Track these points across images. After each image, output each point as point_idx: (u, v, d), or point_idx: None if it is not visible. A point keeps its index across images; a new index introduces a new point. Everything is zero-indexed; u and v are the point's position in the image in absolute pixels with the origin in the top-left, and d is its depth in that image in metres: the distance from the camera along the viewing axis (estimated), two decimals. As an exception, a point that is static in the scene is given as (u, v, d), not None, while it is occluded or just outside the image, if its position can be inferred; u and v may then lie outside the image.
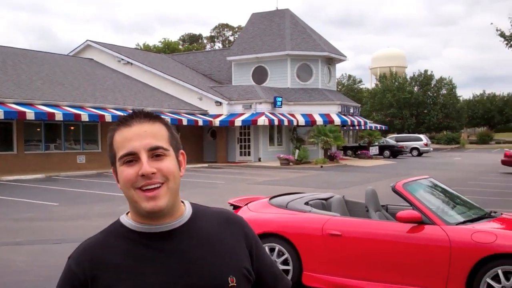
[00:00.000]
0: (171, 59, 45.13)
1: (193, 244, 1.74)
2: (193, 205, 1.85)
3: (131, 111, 1.77)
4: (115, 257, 1.69)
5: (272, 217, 7.36)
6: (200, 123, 33.67)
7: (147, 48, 69.17)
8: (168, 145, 1.72)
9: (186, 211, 1.79)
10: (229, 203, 8.30)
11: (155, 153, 1.67)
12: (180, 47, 75.78)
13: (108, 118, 27.04)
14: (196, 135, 36.58)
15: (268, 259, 1.95)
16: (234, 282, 1.74)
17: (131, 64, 37.36)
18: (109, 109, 28.24)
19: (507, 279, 5.84)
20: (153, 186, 1.65)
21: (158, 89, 36.40)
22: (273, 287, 1.93)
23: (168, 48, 69.80)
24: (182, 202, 1.82)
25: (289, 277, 6.99)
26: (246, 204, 7.87)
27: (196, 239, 1.75)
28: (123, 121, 1.72)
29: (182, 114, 33.03)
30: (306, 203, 7.60)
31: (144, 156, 1.66)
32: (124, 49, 40.99)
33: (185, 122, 32.13)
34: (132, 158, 1.67)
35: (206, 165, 33.65)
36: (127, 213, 1.79)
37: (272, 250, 7.15)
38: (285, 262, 7.08)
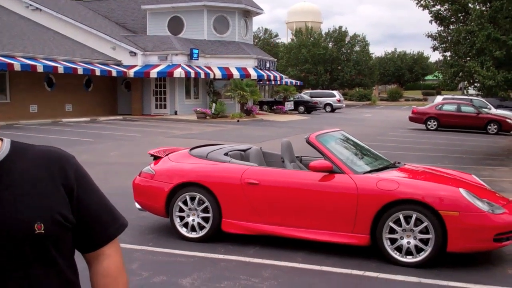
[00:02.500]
0: (82, 6, 43.47)
1: (3, 184, 1.63)
2: (14, 144, 1.71)
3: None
4: None
5: (193, 167, 7.66)
6: (114, 74, 32.93)
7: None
8: None
9: (2, 150, 1.67)
10: (149, 153, 8.53)
11: None
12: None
13: (17, 67, 25.85)
14: (109, 86, 35.83)
15: (99, 202, 1.82)
16: (42, 229, 1.61)
17: (40, 10, 35.68)
18: (17, 58, 26.98)
19: (407, 223, 6.45)
20: None
21: (69, 37, 35.05)
22: (98, 231, 1.81)
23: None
24: (1, 139, 1.71)
25: (209, 224, 7.37)
26: (167, 155, 8.12)
27: (6, 181, 1.64)
28: None
29: (95, 64, 32.13)
30: (226, 154, 7.94)
31: None
32: (32, -6, 39.17)
33: (98, 73, 31.36)
34: None
35: (120, 117, 33.18)
36: None
37: (192, 199, 7.48)
38: (205, 210, 7.43)
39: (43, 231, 1.61)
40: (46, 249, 1.65)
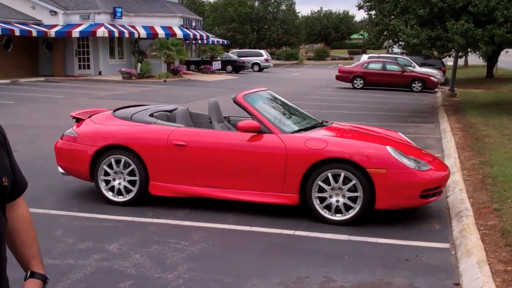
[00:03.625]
0: (-1, -37, 41.32)
1: None
2: None
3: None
4: None
5: (117, 129, 7.39)
6: (34, 34, 31.68)
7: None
8: None
9: None
10: (71, 115, 8.18)
11: None
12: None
13: None
14: (30, 47, 34.33)
15: (14, 160, 2.16)
16: (6, 182, 1.97)
17: (-47, -33, 33.77)
18: None
19: (336, 181, 6.47)
20: None
21: (-16, -4, 33.41)
22: (18, 184, 2.16)
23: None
24: None
25: (136, 187, 7.18)
26: (90, 117, 7.81)
27: None
28: None
29: (14, 24, 30.69)
30: (151, 115, 7.71)
31: None
32: None
33: (17, 33, 30.06)
34: None
35: (42, 78, 31.96)
36: None
37: (118, 162, 7.24)
38: (131, 173, 7.21)
39: (6, 184, 1.97)
40: (5, 198, 2.02)
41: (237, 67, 44.48)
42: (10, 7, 33.30)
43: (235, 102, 7.20)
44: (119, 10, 34.67)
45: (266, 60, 49.48)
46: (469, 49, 20.49)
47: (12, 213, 2.15)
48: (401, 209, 6.80)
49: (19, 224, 2.17)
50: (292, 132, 7.01)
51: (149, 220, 6.71)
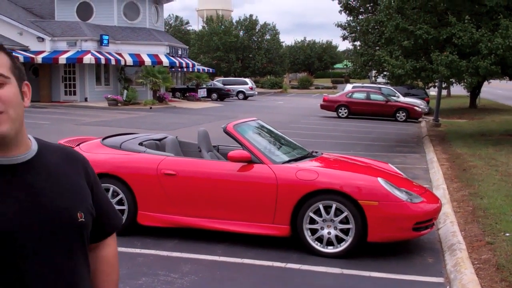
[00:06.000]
0: (-15, -11, 41.35)
1: (40, 178, 1.73)
2: (38, 140, 1.82)
3: None
4: None
5: (106, 157, 7.30)
6: (21, 59, 31.41)
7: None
8: (10, 73, 1.66)
9: (33, 145, 1.77)
10: (59, 143, 8.07)
11: None
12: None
13: None
14: (16, 73, 34.23)
15: (105, 197, 2.01)
16: (83, 217, 1.77)
17: None
18: None
19: (327, 213, 6.41)
20: None
21: (-28, 21, 33.31)
22: (107, 223, 1.99)
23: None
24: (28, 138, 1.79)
25: (124, 217, 7.05)
26: (78, 145, 7.71)
27: (43, 174, 1.74)
28: None
29: (0, 50, 30.66)
30: (140, 144, 7.64)
31: None
32: None
33: (3, 59, 29.91)
34: None
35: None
36: None
37: (106, 190, 7.14)
38: (120, 202, 7.11)
39: (83, 220, 1.77)
40: (83, 237, 1.80)
41: (222, 95, 44.62)
42: (-3, 32, 33.24)
43: (226, 132, 7.15)
44: (106, 37, 34.72)
45: (251, 89, 49.66)
46: (453, 80, 20.75)
47: (95, 253, 1.98)
48: (394, 242, 6.74)
49: (100, 266, 2.00)
50: (283, 163, 6.97)
51: (138, 250, 6.60)
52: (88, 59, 32.46)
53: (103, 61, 33.70)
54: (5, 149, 1.67)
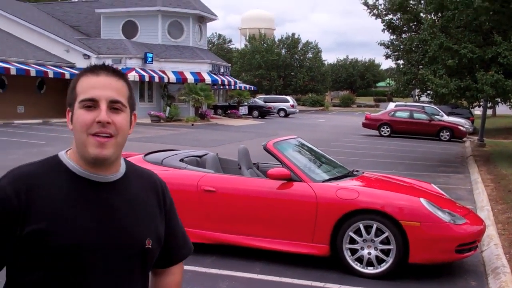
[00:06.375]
0: (36, 9, 42.56)
1: (121, 200, 1.81)
2: (127, 163, 1.90)
3: (101, 63, 1.84)
4: (52, 192, 1.71)
5: (147, 173, 7.36)
6: (67, 76, 32.29)
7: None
8: (127, 102, 1.78)
9: (121, 167, 1.85)
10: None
11: (114, 106, 1.74)
12: (45, -5, 71.62)
13: (-32, 67, 25.15)
14: (62, 88, 34.82)
15: (179, 224, 2.05)
16: (150, 244, 1.82)
17: (-7, 12, 34.88)
18: (-34, 59, 26.27)
19: (368, 233, 6.33)
20: (104, 135, 1.71)
21: (23, 39, 34.30)
22: (175, 251, 2.03)
23: (31, -4, 65.72)
24: None
25: (163, 232, 7.09)
26: (120, 161, 7.81)
27: (125, 197, 1.82)
28: (92, 69, 1.79)
29: (48, 67, 31.52)
30: (181, 160, 7.69)
31: (103, 105, 1.72)
32: (-16, -5, 38.09)
33: (51, 75, 30.74)
34: (92, 104, 1.72)
35: (73, 120, 32.34)
36: (66, 151, 1.84)
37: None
38: (159, 218, 7.15)
39: (150, 247, 1.82)
40: (147, 263, 1.85)
41: (263, 113, 44.71)
42: (45, 50, 34.21)
43: (266, 149, 7.15)
44: (150, 55, 35.31)
45: (292, 106, 49.64)
46: (498, 100, 20.35)
47: (159, 278, 2.04)
48: (436, 264, 6.60)
49: None
50: (323, 181, 6.92)
51: (176, 267, 6.60)
52: (132, 76, 33.02)
53: (147, 78, 34.25)
54: (98, 168, 1.77)
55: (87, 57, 34.38)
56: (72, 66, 34.08)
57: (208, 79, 36.47)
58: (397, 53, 23.52)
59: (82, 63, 34.26)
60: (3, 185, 1.68)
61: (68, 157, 1.81)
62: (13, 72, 27.76)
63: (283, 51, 70.95)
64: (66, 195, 1.72)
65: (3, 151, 16.49)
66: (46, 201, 1.69)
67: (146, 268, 1.88)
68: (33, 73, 28.94)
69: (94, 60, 34.25)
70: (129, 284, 1.80)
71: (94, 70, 1.78)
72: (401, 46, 22.34)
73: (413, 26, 22.24)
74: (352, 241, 6.40)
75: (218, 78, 37.85)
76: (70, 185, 1.74)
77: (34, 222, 1.65)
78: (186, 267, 6.45)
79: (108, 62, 33.86)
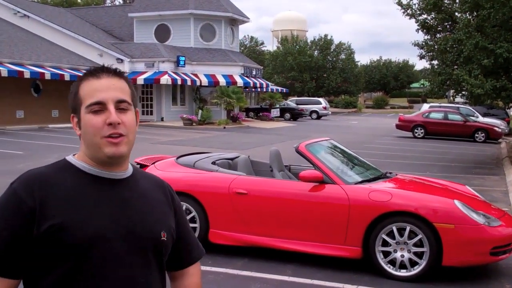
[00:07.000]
0: (70, 13, 43.28)
1: (134, 196, 1.85)
2: (131, 164, 1.95)
3: (100, 66, 1.87)
4: (64, 188, 1.74)
5: (180, 176, 7.43)
6: (101, 80, 32.79)
7: (44, 1, 65.93)
8: (131, 100, 1.83)
9: (129, 166, 1.90)
10: (135, 161, 8.28)
11: (120, 106, 1.78)
12: (79, 1, 72.79)
13: (4, 73, 25.50)
14: (96, 92, 35.61)
15: (188, 226, 2.08)
16: (165, 237, 1.86)
17: (28, 17, 35.48)
18: (4, 64, 26.66)
19: (401, 235, 6.26)
20: (116, 135, 1.75)
21: (57, 44, 34.87)
22: (187, 253, 2.05)
23: (66, 2, 66.86)
24: None
25: (196, 234, 7.14)
26: (153, 163, 7.88)
27: (137, 193, 1.86)
28: (92, 73, 1.82)
29: (82, 71, 31.76)
30: (213, 163, 7.73)
31: (111, 107, 1.76)
32: (20, 1, 38.82)
33: (84, 79, 31.17)
34: (99, 107, 1.75)
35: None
36: (73, 155, 1.87)
37: (179, 208, 7.24)
38: (192, 220, 7.19)
39: (165, 239, 1.86)
40: (161, 255, 1.88)
41: (295, 115, 44.62)
42: (79, 54, 34.67)
43: (298, 151, 7.14)
44: (183, 58, 35.56)
45: (324, 108, 49.45)
46: (535, 100, 19.94)
47: (178, 282, 2.05)
48: (470, 267, 6.50)
49: None
50: (356, 183, 6.88)
51: (208, 268, 6.64)
52: (165, 79, 33.31)
53: (179, 82, 34.49)
54: (110, 167, 1.82)
55: (120, 61, 34.76)
56: (106, 70, 34.50)
57: (240, 82, 36.56)
58: (431, 54, 23.19)
59: (116, 67, 34.66)
60: (15, 188, 1.72)
61: (76, 159, 1.84)
62: (47, 77, 28.16)
63: (316, 52, 70.72)
64: (79, 190, 1.76)
65: (38, 154, 16.77)
66: (60, 197, 1.72)
67: (162, 263, 1.90)
68: (67, 77, 29.34)
69: (127, 64, 34.63)
70: (146, 278, 1.81)
71: (95, 73, 1.81)
72: (436, 46, 22.01)
73: (447, 26, 21.93)
74: (385, 243, 6.34)
75: (250, 81, 37.92)
76: (82, 182, 1.78)
77: (50, 218, 1.67)
78: (218, 269, 6.52)
79: (141, 65, 34.48)
